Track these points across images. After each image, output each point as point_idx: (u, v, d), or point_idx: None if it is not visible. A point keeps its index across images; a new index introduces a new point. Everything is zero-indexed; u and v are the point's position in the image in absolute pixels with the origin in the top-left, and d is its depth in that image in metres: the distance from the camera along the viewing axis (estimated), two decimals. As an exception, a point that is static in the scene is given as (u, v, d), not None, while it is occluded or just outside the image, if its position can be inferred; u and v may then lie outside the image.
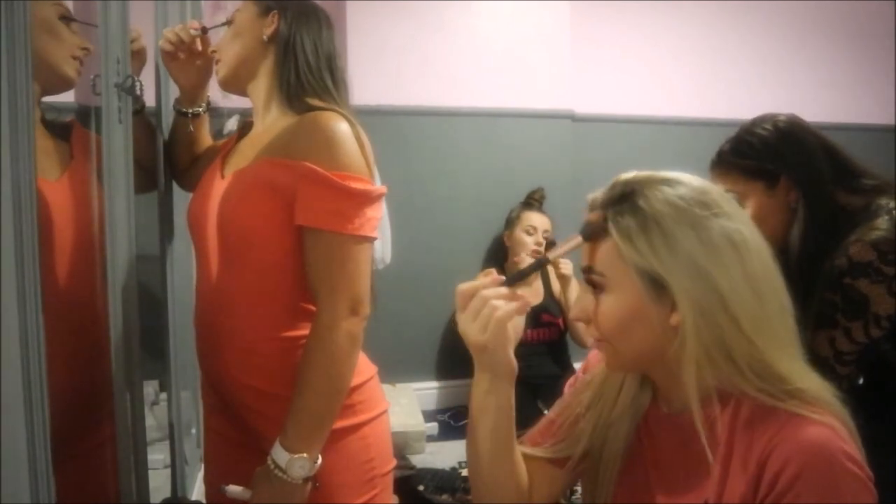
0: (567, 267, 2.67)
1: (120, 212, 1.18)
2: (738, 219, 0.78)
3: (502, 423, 0.84)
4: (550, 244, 2.71)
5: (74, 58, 1.18)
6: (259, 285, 1.07)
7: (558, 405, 0.97)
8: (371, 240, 1.05)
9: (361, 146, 1.05)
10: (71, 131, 1.23)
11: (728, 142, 1.36)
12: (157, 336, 1.61)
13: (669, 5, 3.32)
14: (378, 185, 1.07)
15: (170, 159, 1.38)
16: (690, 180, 0.79)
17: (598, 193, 0.82)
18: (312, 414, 1.01)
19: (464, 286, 0.80)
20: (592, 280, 0.80)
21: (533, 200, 2.86)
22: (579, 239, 0.81)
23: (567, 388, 0.99)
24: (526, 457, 0.90)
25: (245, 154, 1.14)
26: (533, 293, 2.73)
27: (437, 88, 2.96)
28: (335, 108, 1.08)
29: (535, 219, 2.78)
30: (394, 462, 1.19)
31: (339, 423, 1.07)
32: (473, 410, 0.86)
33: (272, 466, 1.00)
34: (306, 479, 1.00)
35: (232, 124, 2.70)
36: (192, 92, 1.30)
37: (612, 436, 0.87)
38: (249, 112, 1.26)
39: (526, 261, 2.64)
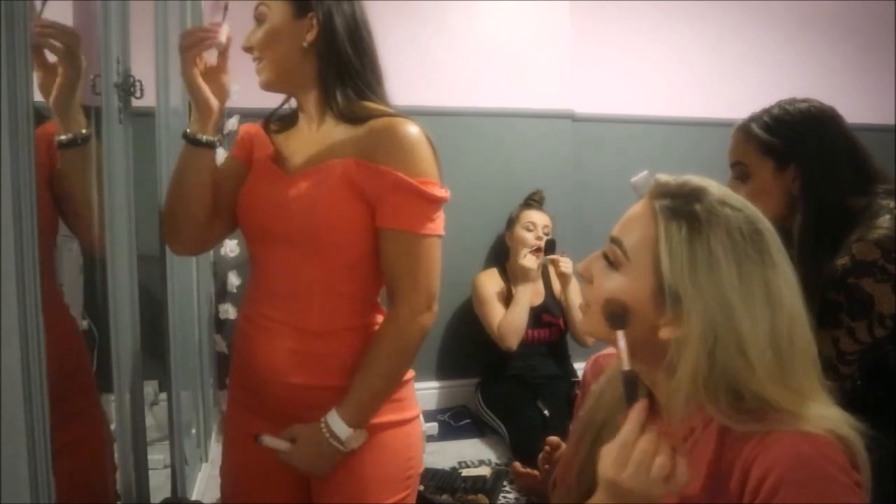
0: (567, 265, 2.67)
1: (120, 212, 1.18)
2: (782, 270, 0.75)
3: None
4: (550, 241, 2.71)
5: None
6: (337, 278, 1.10)
7: (570, 441, 0.97)
8: (441, 238, 1.12)
9: (433, 148, 1.10)
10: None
11: (762, 110, 1.34)
12: (157, 336, 1.61)
13: (670, 5, 3.32)
14: (444, 188, 1.11)
15: (191, 208, 1.16)
16: (751, 209, 0.77)
17: (668, 178, 0.79)
18: (376, 394, 1.08)
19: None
20: (614, 252, 0.78)
21: (532, 201, 2.87)
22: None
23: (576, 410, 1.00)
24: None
25: (306, 153, 1.12)
26: (534, 293, 2.72)
27: (437, 88, 2.96)
28: (399, 113, 1.10)
29: (535, 216, 2.78)
30: (423, 466, 1.21)
31: (389, 417, 1.12)
32: None
33: (327, 435, 1.05)
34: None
35: (232, 124, 2.70)
36: (220, 112, 1.14)
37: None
38: (250, 112, 1.25)
39: (528, 258, 2.63)
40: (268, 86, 1.14)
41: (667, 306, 0.73)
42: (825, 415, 0.72)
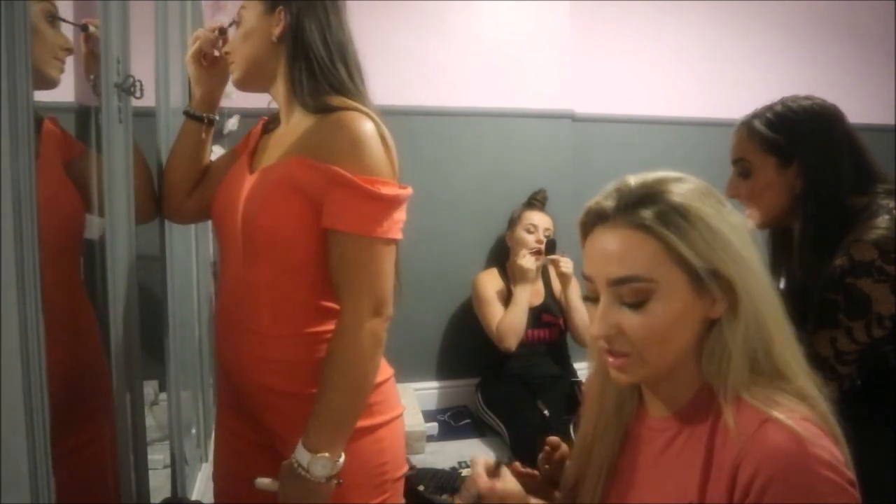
0: (567, 265, 2.67)
1: (120, 212, 1.18)
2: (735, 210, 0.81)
3: None
4: (551, 241, 2.71)
5: (57, 59, 1.17)
6: (282, 282, 1.08)
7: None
8: (396, 242, 1.07)
9: (386, 146, 1.05)
10: (40, 127, 1.20)
11: (764, 107, 1.34)
12: (157, 336, 1.60)
13: (670, 5, 3.32)
14: (404, 187, 1.07)
15: (169, 173, 1.32)
16: (688, 177, 0.80)
17: (606, 201, 0.78)
18: (335, 414, 1.02)
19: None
20: (638, 289, 0.75)
21: (535, 201, 2.87)
22: None
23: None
24: None
25: (271, 152, 1.14)
26: (534, 293, 2.72)
27: (437, 88, 2.96)
28: (358, 107, 1.07)
29: (536, 217, 2.78)
30: (406, 467, 1.18)
31: (356, 423, 1.07)
32: None
33: (295, 465, 1.00)
34: (329, 478, 1.01)
35: (232, 124, 2.70)
36: (212, 96, 1.29)
37: (589, 470, 0.88)
38: (250, 112, 1.27)
39: (527, 258, 2.63)
40: (239, 83, 1.19)
41: (709, 288, 0.75)
42: (808, 393, 0.75)
